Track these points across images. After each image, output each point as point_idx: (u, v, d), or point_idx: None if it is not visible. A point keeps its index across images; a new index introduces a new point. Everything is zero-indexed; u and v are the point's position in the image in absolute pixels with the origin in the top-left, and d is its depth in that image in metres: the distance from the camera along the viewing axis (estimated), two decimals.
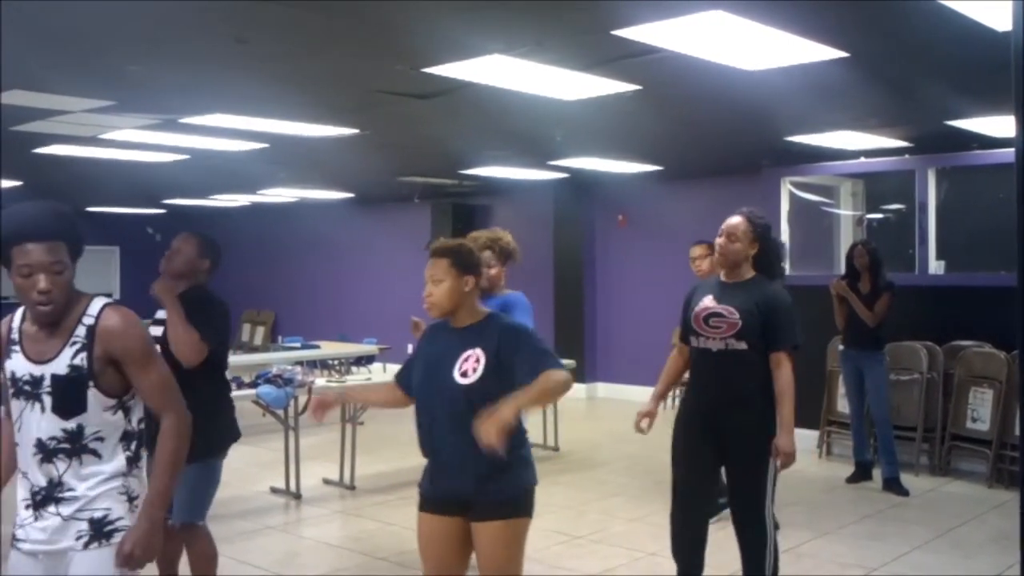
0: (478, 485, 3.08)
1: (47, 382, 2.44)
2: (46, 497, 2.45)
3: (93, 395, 2.46)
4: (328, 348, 11.24)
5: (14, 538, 2.50)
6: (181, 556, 4.23)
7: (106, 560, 2.46)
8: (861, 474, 7.26)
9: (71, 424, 2.44)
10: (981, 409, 7.30)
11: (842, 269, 7.46)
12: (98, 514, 2.46)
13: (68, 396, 2.44)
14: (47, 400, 2.44)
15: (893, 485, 6.93)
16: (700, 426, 4.15)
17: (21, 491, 2.52)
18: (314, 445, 7.80)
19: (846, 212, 9.58)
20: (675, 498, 4.26)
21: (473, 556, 3.20)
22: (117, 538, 2.47)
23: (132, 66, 5.15)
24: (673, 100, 6.29)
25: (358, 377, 8.73)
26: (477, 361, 3.08)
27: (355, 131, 7.33)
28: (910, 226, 8.21)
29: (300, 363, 8.76)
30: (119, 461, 2.51)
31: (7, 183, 10.69)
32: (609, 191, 11.43)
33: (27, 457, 2.47)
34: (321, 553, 5.80)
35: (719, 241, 4.21)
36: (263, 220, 15.62)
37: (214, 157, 8.59)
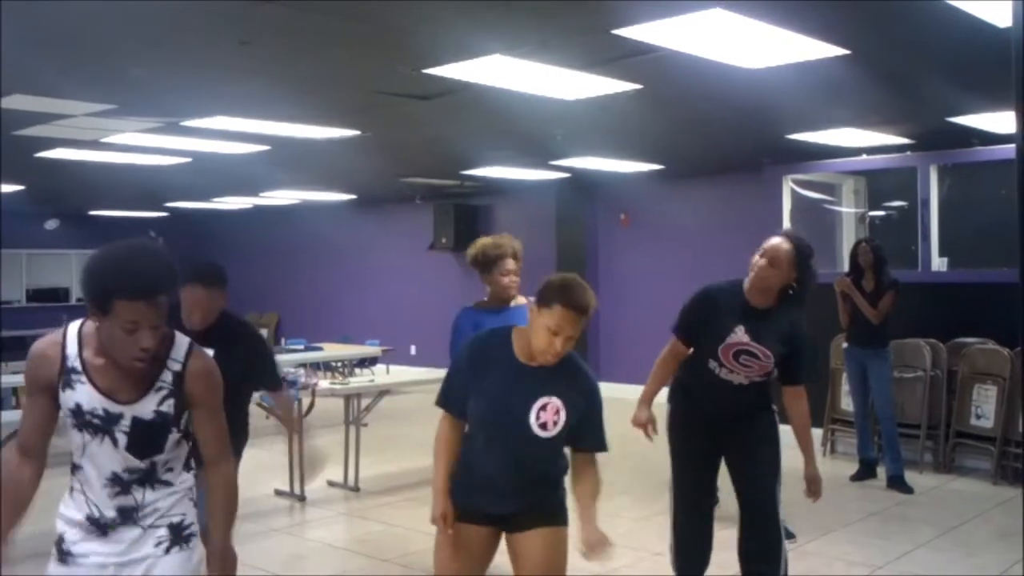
0: (523, 504, 3.06)
1: (126, 422, 2.38)
2: (122, 518, 2.44)
3: (172, 438, 2.47)
4: (331, 350, 11.25)
5: (67, 553, 2.43)
6: None
7: (186, 562, 2.51)
8: (865, 472, 7.25)
9: (145, 464, 2.44)
10: (985, 406, 7.29)
11: (845, 267, 7.45)
12: (175, 519, 2.50)
13: (148, 439, 2.42)
14: (121, 439, 2.39)
15: (897, 483, 6.92)
16: (707, 435, 4.13)
17: (76, 511, 2.45)
18: (318, 447, 7.79)
19: (848, 210, 9.57)
20: (684, 506, 4.24)
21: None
22: (194, 542, 2.54)
23: (134, 69, 5.16)
24: (674, 99, 6.29)
25: (361, 379, 8.74)
26: (557, 414, 2.96)
27: (357, 132, 7.33)
28: (913, 223, 8.20)
29: (304, 365, 8.76)
30: (185, 476, 2.57)
31: (9, 187, 10.71)
32: (611, 191, 11.43)
33: (95, 486, 2.42)
34: (326, 555, 5.80)
35: (759, 262, 3.95)
36: (265, 223, 15.63)
37: (216, 160, 8.59)
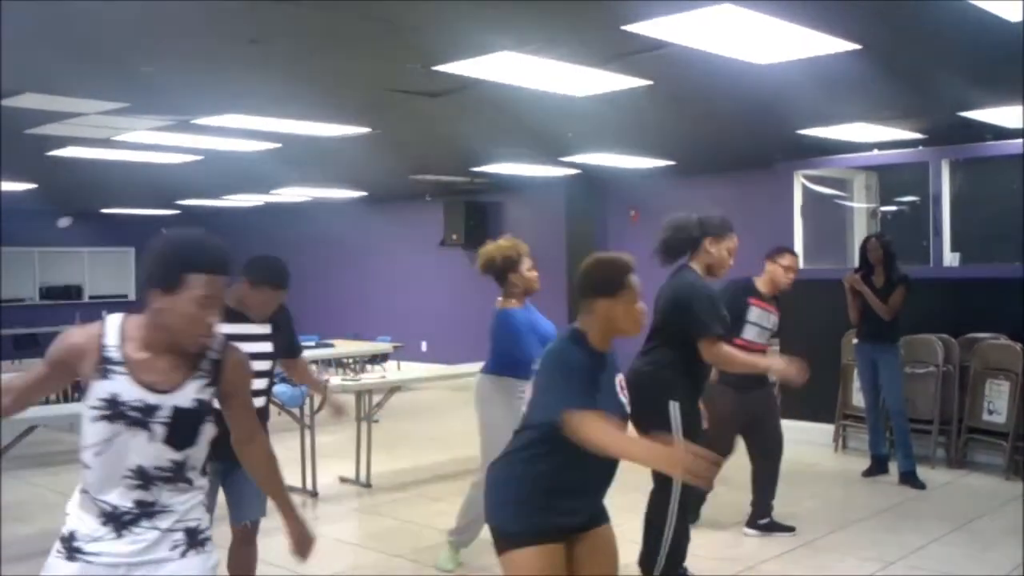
0: (602, 497, 3.11)
1: (165, 412, 2.40)
2: (139, 515, 2.43)
3: (207, 428, 2.50)
4: (342, 346, 11.28)
5: (77, 551, 2.40)
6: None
7: (203, 564, 2.51)
8: (877, 468, 7.24)
9: (179, 456, 2.45)
10: (997, 401, 7.27)
11: (856, 263, 7.43)
12: (191, 524, 2.51)
13: (187, 429, 2.44)
14: (159, 430, 2.40)
15: (909, 478, 6.91)
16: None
17: (90, 508, 2.43)
18: (330, 443, 7.82)
19: (859, 205, 9.54)
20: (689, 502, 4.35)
21: None
22: (209, 546, 2.54)
23: (145, 68, 5.18)
24: (684, 95, 6.29)
25: (372, 375, 8.76)
26: (624, 386, 3.14)
27: (367, 130, 7.35)
28: (924, 218, 8.18)
29: (315, 362, 8.78)
30: (203, 480, 2.59)
31: (22, 186, 10.76)
32: (621, 187, 11.42)
33: (112, 479, 2.41)
34: (338, 551, 5.82)
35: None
36: (276, 220, 15.66)
37: (227, 158, 8.62)
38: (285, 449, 7.71)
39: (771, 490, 5.79)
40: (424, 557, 5.36)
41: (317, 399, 7.09)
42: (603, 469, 2.98)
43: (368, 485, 7.23)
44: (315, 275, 15.76)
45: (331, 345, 11.21)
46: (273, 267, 4.29)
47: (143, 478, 2.42)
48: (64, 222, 15.73)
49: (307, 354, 9.66)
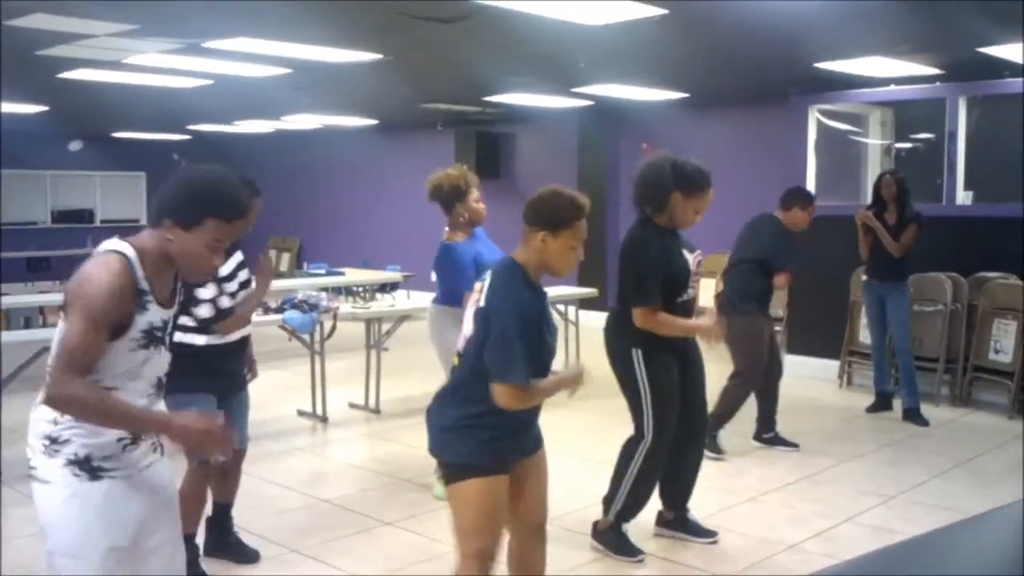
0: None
1: (170, 325, 2.60)
2: None
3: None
4: (352, 275, 11.33)
5: (99, 470, 2.45)
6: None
7: (171, 464, 2.71)
8: (881, 404, 7.29)
9: (171, 358, 2.64)
10: (1004, 341, 7.29)
11: (869, 199, 7.39)
12: None
13: (172, 336, 2.65)
14: (168, 341, 2.59)
15: (913, 415, 6.96)
16: (677, 366, 4.36)
17: (98, 433, 2.46)
18: (340, 369, 7.91)
19: (874, 142, 9.45)
20: (667, 439, 4.36)
21: None
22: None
23: None
24: (700, 24, 6.20)
25: (382, 304, 8.81)
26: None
27: (378, 56, 7.28)
28: (939, 156, 8.10)
29: (325, 289, 8.84)
30: None
31: (33, 108, 10.72)
32: (634, 119, 11.31)
33: (139, 396, 2.50)
34: (347, 474, 5.93)
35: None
36: (287, 147, 15.60)
37: (238, 82, 8.56)
38: (295, 375, 7.82)
39: (774, 406, 6.30)
40: (431, 481, 5.46)
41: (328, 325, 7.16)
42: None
43: (377, 411, 7.33)
44: (325, 203, 15.75)
45: (341, 273, 11.26)
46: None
47: (159, 387, 2.61)
48: (75, 145, 15.69)
49: (316, 282, 9.76)
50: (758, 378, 6.05)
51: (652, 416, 4.29)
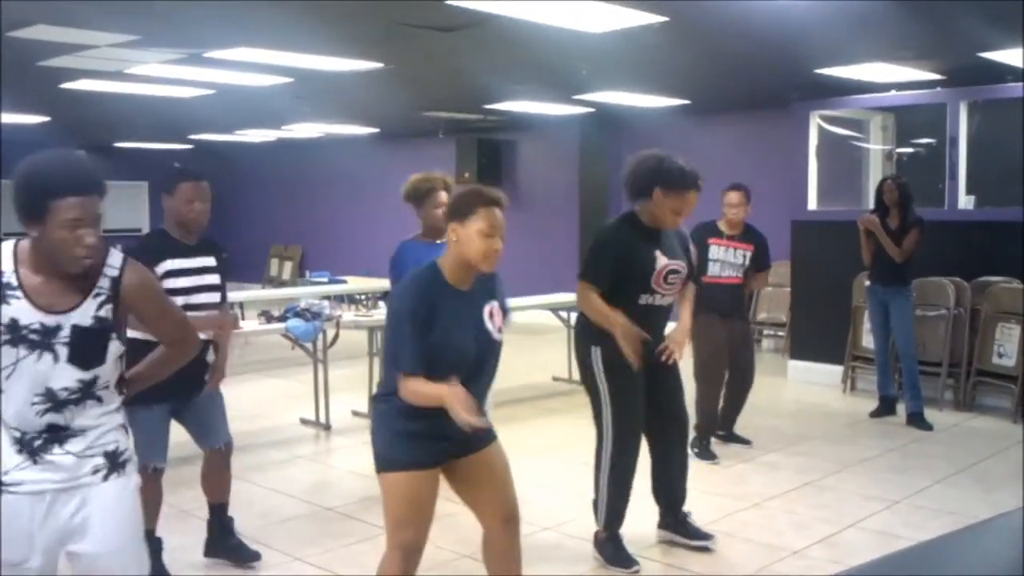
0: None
1: (65, 332, 2.41)
2: (49, 440, 2.46)
3: (113, 346, 2.50)
4: (354, 283, 11.33)
5: (1, 484, 2.43)
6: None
7: (123, 489, 2.56)
8: (885, 409, 7.28)
9: (88, 375, 2.46)
10: (1008, 345, 7.28)
11: (871, 204, 7.39)
12: (110, 447, 2.53)
13: (90, 347, 2.45)
14: (62, 351, 2.42)
15: (917, 420, 6.95)
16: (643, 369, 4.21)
17: (4, 441, 2.46)
18: (342, 377, 7.90)
19: (876, 147, 9.45)
20: (631, 442, 4.33)
21: None
22: (130, 468, 2.59)
23: None
24: (700, 31, 6.21)
25: (384, 312, 8.80)
26: (495, 315, 3.12)
27: (379, 65, 7.29)
28: (941, 161, 8.10)
29: (328, 297, 8.85)
30: (116, 400, 2.60)
31: (35, 119, 10.75)
32: (635, 126, 11.32)
33: (21, 405, 2.43)
34: (351, 482, 5.91)
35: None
36: (289, 155, 15.63)
37: (239, 92, 8.59)
38: (298, 383, 7.82)
39: (738, 408, 6.32)
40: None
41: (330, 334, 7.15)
42: (470, 384, 2.99)
43: None
44: (327, 211, 15.77)
45: (343, 282, 11.26)
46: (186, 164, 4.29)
47: (52, 400, 2.44)
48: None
49: (319, 290, 9.75)
50: (712, 380, 6.06)
51: (611, 416, 4.26)
